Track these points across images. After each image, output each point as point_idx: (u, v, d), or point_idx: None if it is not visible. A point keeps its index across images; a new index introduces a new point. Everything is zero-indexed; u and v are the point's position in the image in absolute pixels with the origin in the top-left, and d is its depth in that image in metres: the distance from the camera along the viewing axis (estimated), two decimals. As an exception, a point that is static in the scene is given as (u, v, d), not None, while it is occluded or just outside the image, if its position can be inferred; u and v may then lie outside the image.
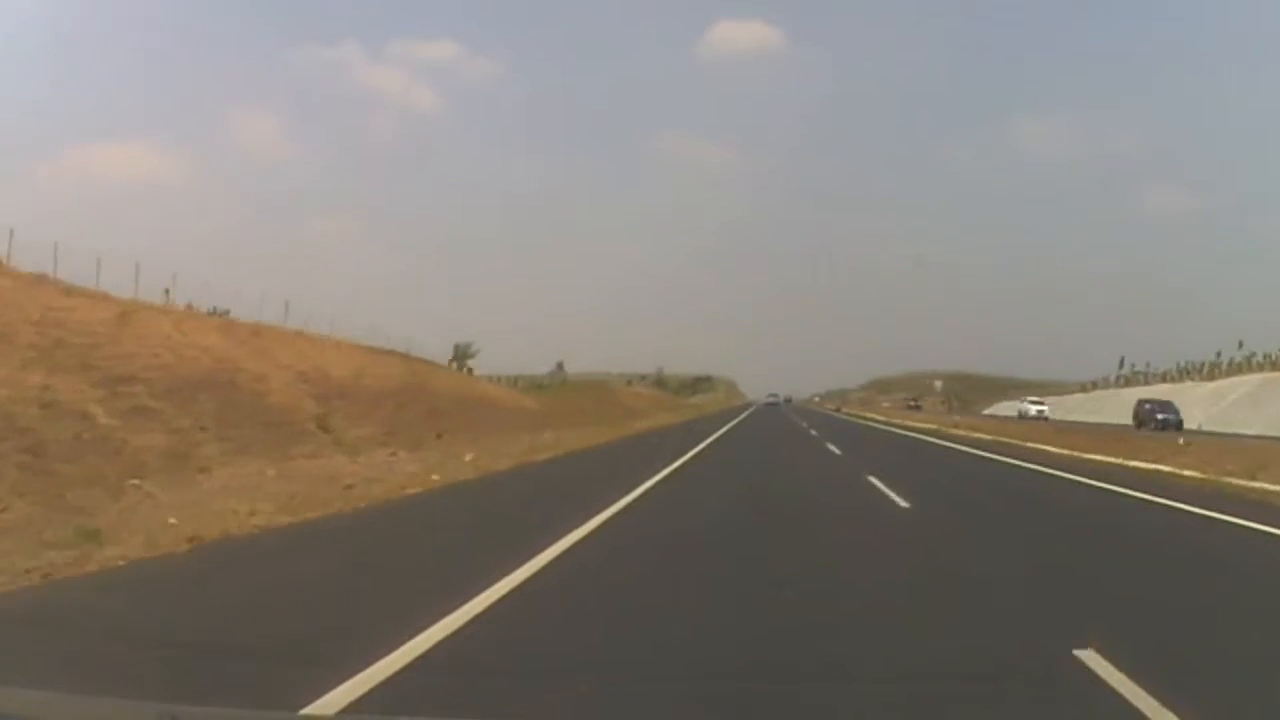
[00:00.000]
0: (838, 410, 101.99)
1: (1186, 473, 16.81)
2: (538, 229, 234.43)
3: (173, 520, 8.10)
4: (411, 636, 4.56)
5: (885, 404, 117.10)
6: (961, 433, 37.12)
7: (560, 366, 77.00)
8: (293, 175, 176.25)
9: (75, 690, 2.85)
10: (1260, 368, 52.53)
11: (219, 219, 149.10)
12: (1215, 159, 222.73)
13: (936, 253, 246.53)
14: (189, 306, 24.50)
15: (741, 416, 57.29)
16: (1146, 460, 19.50)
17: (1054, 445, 25.68)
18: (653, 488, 12.94)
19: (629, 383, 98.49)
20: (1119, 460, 20.02)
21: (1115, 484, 15.18)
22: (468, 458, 16.94)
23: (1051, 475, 17.39)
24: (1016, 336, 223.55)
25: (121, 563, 6.42)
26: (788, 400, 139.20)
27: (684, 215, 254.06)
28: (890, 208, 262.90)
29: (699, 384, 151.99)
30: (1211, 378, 57.77)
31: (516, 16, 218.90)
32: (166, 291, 23.72)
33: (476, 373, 53.05)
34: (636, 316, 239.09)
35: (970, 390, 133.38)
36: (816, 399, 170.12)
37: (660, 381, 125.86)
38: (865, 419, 64.44)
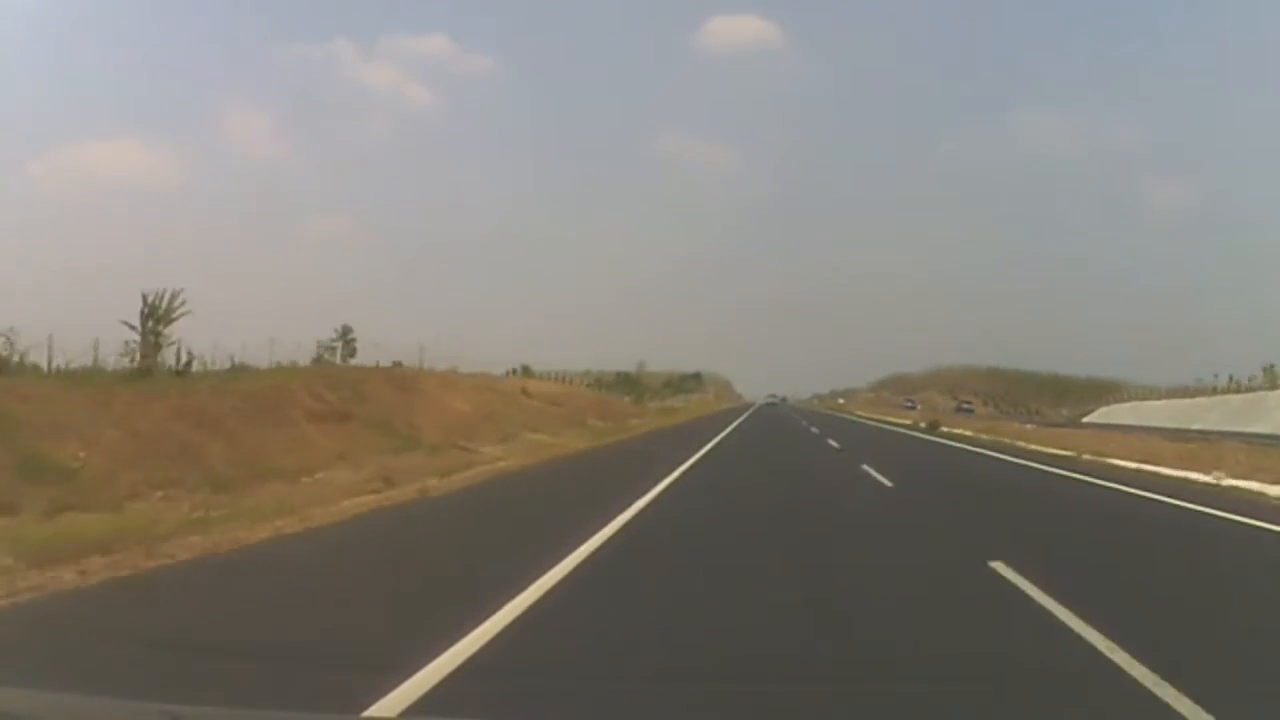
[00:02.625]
0: (933, 427, 41.50)
1: None
2: (534, 228, 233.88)
3: None
4: None
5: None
6: None
7: (346, 336, 35.04)
8: (284, 174, 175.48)
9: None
10: None
11: (210, 216, 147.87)
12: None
13: (945, 247, 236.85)
14: None
15: (713, 444, 26.56)
16: None
17: None
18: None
19: (514, 373, 51.04)
20: None
21: None
22: None
23: None
24: (1048, 331, 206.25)
25: None
26: (783, 400, 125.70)
27: (682, 213, 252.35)
28: (893, 202, 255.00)
29: (684, 383, 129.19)
30: None
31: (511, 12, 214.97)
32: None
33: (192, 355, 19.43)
34: (633, 316, 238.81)
35: (1015, 391, 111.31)
36: (840, 400, 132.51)
37: (633, 380, 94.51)
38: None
